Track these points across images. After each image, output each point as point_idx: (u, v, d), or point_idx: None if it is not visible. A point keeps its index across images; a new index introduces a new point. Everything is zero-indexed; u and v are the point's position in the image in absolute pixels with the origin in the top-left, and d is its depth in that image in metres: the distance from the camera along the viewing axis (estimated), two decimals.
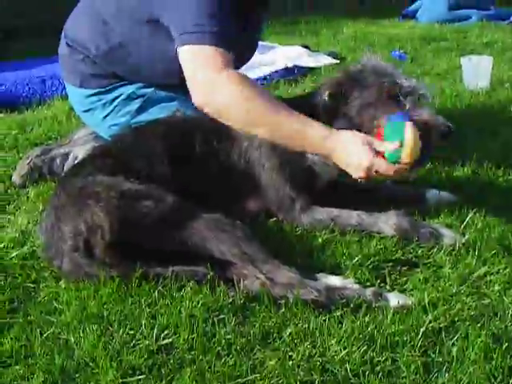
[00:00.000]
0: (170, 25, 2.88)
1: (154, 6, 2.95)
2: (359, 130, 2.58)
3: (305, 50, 6.44)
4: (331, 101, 2.70)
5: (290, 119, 2.59)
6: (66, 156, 3.54)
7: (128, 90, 3.29)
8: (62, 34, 3.48)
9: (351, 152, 2.49)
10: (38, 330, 2.13)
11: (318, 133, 2.57)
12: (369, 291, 2.18)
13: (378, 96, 2.65)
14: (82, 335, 2.08)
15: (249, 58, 3.65)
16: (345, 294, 2.17)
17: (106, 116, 3.35)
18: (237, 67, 3.50)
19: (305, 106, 2.73)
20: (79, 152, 3.51)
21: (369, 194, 2.99)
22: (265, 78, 5.54)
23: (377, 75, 2.70)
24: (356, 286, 2.23)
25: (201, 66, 2.72)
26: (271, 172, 2.76)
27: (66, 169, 3.47)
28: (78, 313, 2.20)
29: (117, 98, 3.31)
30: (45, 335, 2.11)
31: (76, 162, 3.43)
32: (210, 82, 2.67)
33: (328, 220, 2.70)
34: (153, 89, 3.28)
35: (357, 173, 2.49)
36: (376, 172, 2.45)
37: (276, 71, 5.64)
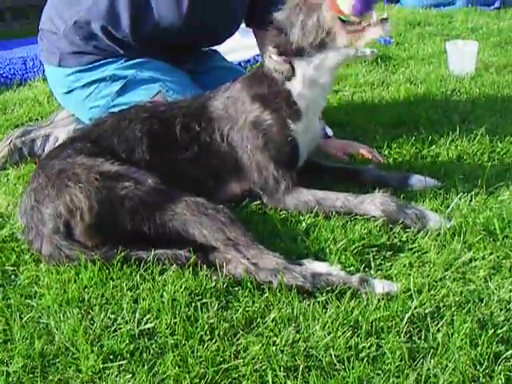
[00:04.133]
0: None
1: None
2: (322, 44, 2.64)
3: None
4: (279, 53, 2.70)
5: None
6: (46, 137, 3.51)
7: (109, 71, 3.25)
8: (42, 14, 3.46)
9: None
10: (18, 314, 2.10)
11: None
12: (355, 278, 2.15)
13: (303, 4, 2.66)
14: (62, 319, 2.06)
15: (235, 27, 3.62)
16: (330, 281, 2.14)
17: (86, 97, 3.31)
18: (220, 39, 3.49)
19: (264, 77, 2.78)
20: (60, 134, 3.48)
21: (352, 177, 2.97)
22: (248, 61, 5.52)
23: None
24: (342, 273, 2.20)
25: None
26: (254, 153, 2.73)
27: (46, 150, 3.43)
28: (58, 296, 2.17)
29: (97, 79, 3.27)
30: (24, 319, 2.08)
31: (57, 143, 3.40)
32: None
33: (313, 202, 2.67)
34: (134, 71, 3.24)
35: None
36: None
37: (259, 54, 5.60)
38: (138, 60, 3.26)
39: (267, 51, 2.73)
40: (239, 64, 5.37)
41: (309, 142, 2.84)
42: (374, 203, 2.59)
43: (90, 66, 3.27)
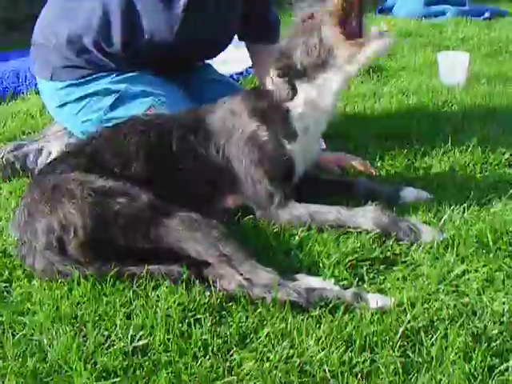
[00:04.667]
0: None
1: None
2: (325, 63, 2.64)
3: None
4: (282, 75, 2.71)
5: None
6: (39, 151, 3.49)
7: (101, 85, 3.25)
8: (35, 28, 3.46)
9: None
10: (10, 332, 2.09)
11: None
12: (348, 292, 2.15)
13: (304, 27, 2.68)
14: (55, 337, 2.04)
15: (227, 42, 3.63)
16: (324, 296, 2.13)
17: (79, 111, 3.31)
18: (213, 54, 3.50)
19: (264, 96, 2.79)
20: (53, 147, 3.47)
21: (344, 190, 2.98)
22: (241, 73, 5.52)
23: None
24: (336, 288, 2.20)
25: None
26: (249, 168, 2.73)
27: (39, 164, 3.42)
28: (51, 313, 2.16)
29: (89, 93, 3.27)
30: (17, 337, 2.06)
31: (49, 157, 3.39)
32: None
33: (306, 215, 2.67)
34: (126, 85, 3.24)
35: None
36: None
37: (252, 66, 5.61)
38: (130, 74, 3.26)
39: (269, 73, 2.74)
40: (231, 76, 5.37)
41: (305, 160, 2.85)
42: (367, 216, 2.59)
43: (83, 80, 3.27)
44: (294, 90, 2.71)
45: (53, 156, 3.38)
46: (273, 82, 2.73)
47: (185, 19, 3.17)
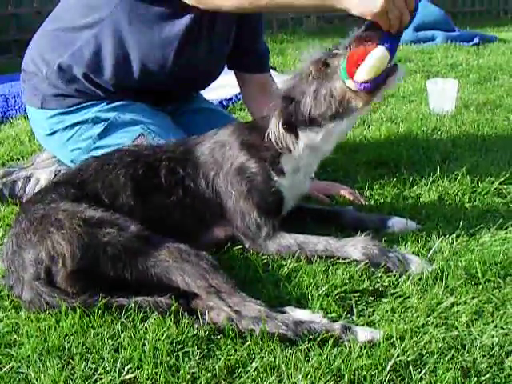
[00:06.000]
0: None
1: None
2: (336, 114, 2.63)
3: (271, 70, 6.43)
4: (287, 123, 2.68)
5: None
6: (27, 179, 3.48)
7: (91, 113, 3.25)
8: (25, 55, 3.47)
9: None
10: None
11: None
12: (337, 325, 2.14)
13: (314, 76, 2.65)
14: (42, 369, 2.02)
15: (219, 74, 3.66)
16: (313, 329, 2.12)
17: (68, 140, 3.30)
18: (204, 86, 3.52)
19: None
20: (41, 175, 3.46)
21: (332, 220, 2.98)
22: (230, 99, 5.53)
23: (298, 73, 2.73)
24: (324, 321, 2.18)
25: None
26: (238, 199, 2.73)
27: (27, 192, 3.41)
28: (38, 345, 2.14)
29: (79, 122, 3.26)
30: (4, 370, 2.04)
31: (38, 185, 3.38)
32: None
33: (295, 246, 2.67)
34: (116, 113, 3.24)
35: (372, 7, 2.48)
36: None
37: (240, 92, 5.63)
38: (119, 103, 3.26)
39: (272, 118, 2.70)
40: (221, 102, 5.39)
41: (294, 196, 2.86)
42: (356, 247, 2.59)
43: (72, 108, 3.27)
44: (296, 138, 2.70)
45: (41, 184, 3.38)
46: (276, 129, 2.68)
47: (178, 55, 3.19)
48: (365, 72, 2.49)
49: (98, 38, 3.14)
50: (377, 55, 2.49)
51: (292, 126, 2.68)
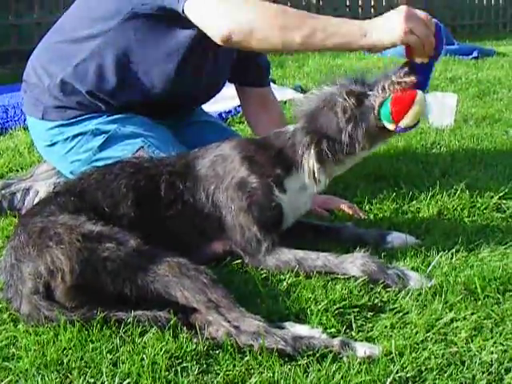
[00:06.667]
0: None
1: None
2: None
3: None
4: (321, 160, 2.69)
5: (324, 17, 2.73)
6: (27, 191, 3.48)
7: (91, 125, 3.25)
8: (27, 66, 3.47)
9: (389, 15, 2.62)
10: None
11: (353, 22, 2.69)
12: (336, 341, 2.13)
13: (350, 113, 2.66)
14: (40, 383, 2.01)
15: (222, 86, 3.67)
16: (312, 344, 2.12)
17: (68, 151, 3.30)
18: (206, 100, 3.52)
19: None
20: (41, 187, 3.46)
21: (330, 235, 2.99)
22: (229, 112, 5.53)
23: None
24: (323, 336, 2.18)
25: (218, 2, 2.79)
26: (238, 214, 2.72)
27: (26, 204, 3.41)
28: (36, 359, 2.12)
29: (79, 133, 3.26)
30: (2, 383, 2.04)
31: (37, 196, 3.38)
32: (235, 6, 2.75)
33: (294, 261, 2.66)
34: (116, 125, 3.24)
35: (397, 31, 2.58)
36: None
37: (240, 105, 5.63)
38: (120, 115, 3.26)
39: (304, 154, 2.71)
40: (220, 114, 5.39)
41: (295, 213, 2.86)
42: (355, 263, 2.59)
43: (73, 120, 3.26)
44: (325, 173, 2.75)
45: (40, 196, 3.37)
46: (311, 167, 2.70)
47: (182, 74, 3.19)
48: (412, 119, 2.57)
49: (101, 49, 3.14)
50: (420, 101, 2.58)
51: (324, 163, 2.70)
